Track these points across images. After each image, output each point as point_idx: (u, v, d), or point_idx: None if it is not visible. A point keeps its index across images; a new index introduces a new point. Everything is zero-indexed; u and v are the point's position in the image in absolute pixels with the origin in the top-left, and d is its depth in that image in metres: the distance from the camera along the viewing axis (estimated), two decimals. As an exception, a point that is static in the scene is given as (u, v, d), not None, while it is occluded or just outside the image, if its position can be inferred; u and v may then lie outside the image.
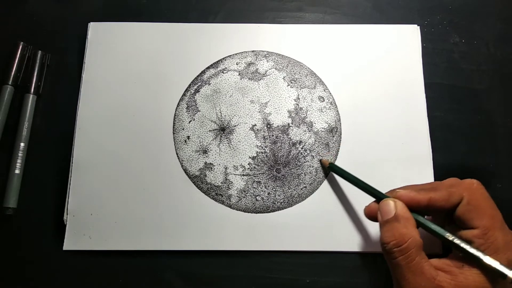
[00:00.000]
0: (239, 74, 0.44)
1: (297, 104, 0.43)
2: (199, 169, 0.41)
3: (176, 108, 0.43)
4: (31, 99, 0.43)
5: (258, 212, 0.40)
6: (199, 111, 0.43)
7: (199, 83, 0.44)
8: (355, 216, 0.40)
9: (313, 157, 0.42)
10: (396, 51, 0.45)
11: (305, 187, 0.41)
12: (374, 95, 0.43)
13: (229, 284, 0.39)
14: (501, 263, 0.29)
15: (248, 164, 0.41)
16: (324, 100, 0.43)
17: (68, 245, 0.39)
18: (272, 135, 0.42)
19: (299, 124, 0.42)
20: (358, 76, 0.44)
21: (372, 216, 0.34)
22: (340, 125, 0.43)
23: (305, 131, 0.42)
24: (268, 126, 0.42)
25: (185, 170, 0.41)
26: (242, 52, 0.45)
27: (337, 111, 0.43)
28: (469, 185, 0.32)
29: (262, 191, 0.41)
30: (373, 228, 0.39)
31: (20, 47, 0.44)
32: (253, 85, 0.44)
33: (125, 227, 0.39)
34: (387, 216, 0.32)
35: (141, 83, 0.44)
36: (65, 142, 0.42)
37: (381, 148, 0.42)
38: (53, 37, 0.46)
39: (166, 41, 0.45)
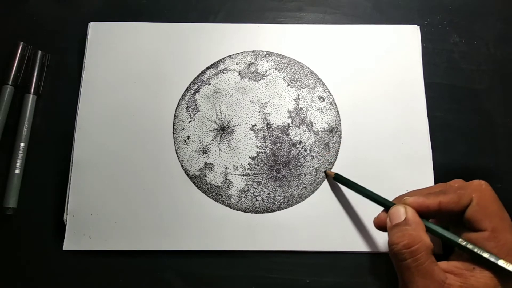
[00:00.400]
0: (239, 74, 0.44)
1: (297, 104, 0.43)
2: (199, 169, 0.41)
3: (176, 108, 0.43)
4: (31, 99, 0.43)
5: (258, 212, 0.40)
6: (199, 111, 0.43)
7: (199, 83, 0.44)
8: (355, 216, 0.40)
9: (313, 157, 0.42)
10: (396, 51, 0.45)
11: (305, 187, 0.41)
12: (374, 95, 0.43)
13: (229, 284, 0.39)
14: None
15: (248, 164, 0.41)
16: (324, 100, 0.43)
17: (68, 245, 0.39)
18: (272, 135, 0.42)
19: (299, 124, 0.42)
20: (358, 76, 0.44)
21: (382, 226, 0.33)
22: (340, 125, 0.43)
23: (305, 131, 0.42)
24: (268, 126, 0.42)
25: (185, 170, 0.41)
26: (242, 52, 0.45)
27: (337, 111, 0.43)
28: (478, 186, 0.32)
29: (262, 191, 0.41)
30: (373, 228, 0.39)
31: (20, 47, 0.44)
32: (253, 85, 0.44)
33: (125, 227, 0.39)
34: (396, 220, 0.31)
35: (141, 83, 0.44)
36: (65, 142, 0.42)
37: (381, 148, 0.42)
38: (53, 37, 0.46)
39: (166, 41, 0.45)
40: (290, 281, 0.39)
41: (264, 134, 0.42)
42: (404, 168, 0.41)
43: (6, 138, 0.42)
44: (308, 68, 0.44)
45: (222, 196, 0.40)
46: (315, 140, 0.42)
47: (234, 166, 0.41)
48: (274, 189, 0.41)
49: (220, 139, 0.42)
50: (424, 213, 0.32)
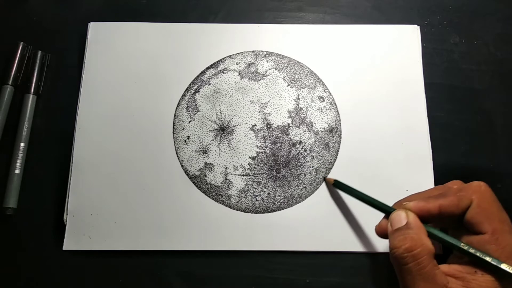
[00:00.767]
0: (239, 74, 0.44)
1: (297, 104, 0.43)
2: (199, 169, 0.41)
3: (176, 108, 0.43)
4: (31, 99, 0.43)
5: (258, 212, 0.40)
6: (199, 111, 0.43)
7: (199, 83, 0.44)
8: (355, 216, 0.40)
9: (313, 157, 0.42)
10: (396, 51, 0.45)
11: (305, 187, 0.41)
12: (374, 95, 0.43)
13: (229, 284, 0.39)
14: None
15: (248, 164, 0.41)
16: (324, 100, 0.43)
17: (68, 245, 0.39)
18: (272, 135, 0.42)
19: (299, 124, 0.42)
20: (358, 76, 0.44)
21: (383, 233, 0.33)
22: (340, 125, 0.43)
23: (305, 131, 0.42)
24: (268, 126, 0.42)
25: (185, 170, 0.41)
26: (242, 52, 0.45)
27: (337, 111, 0.43)
28: (477, 187, 0.32)
29: (262, 191, 0.41)
30: (373, 228, 0.39)
31: (20, 47, 0.44)
32: (253, 85, 0.44)
33: (125, 227, 0.39)
34: (397, 225, 0.31)
35: (141, 83, 0.44)
36: (65, 142, 0.42)
37: (381, 148, 0.42)
38: (53, 37, 0.46)
39: (166, 41, 0.45)
40: (290, 281, 0.39)
41: (264, 134, 0.42)
42: (404, 168, 0.41)
43: (6, 138, 0.42)
44: (308, 68, 0.44)
45: (222, 196, 0.40)
46: (315, 140, 0.42)
47: (234, 166, 0.41)
48: (274, 189, 0.41)
49: (220, 139, 0.42)
50: (424, 217, 0.31)
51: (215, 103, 0.43)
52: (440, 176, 0.41)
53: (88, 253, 0.39)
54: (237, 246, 0.39)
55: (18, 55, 0.44)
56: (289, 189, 0.41)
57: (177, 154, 0.42)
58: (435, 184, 0.41)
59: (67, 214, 0.40)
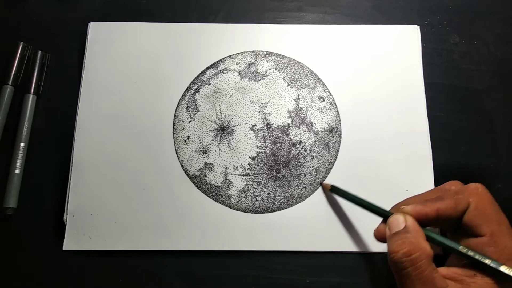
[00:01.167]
0: (239, 74, 0.44)
1: (297, 104, 0.43)
2: (199, 169, 0.41)
3: (176, 108, 0.43)
4: (31, 99, 0.43)
5: (258, 212, 0.40)
6: (199, 111, 0.43)
7: (199, 83, 0.44)
8: (355, 216, 0.40)
9: (313, 157, 0.42)
10: (396, 51, 0.45)
11: (305, 187, 0.41)
12: (374, 95, 0.43)
13: (229, 284, 0.39)
14: None
15: (248, 164, 0.41)
16: (324, 100, 0.43)
17: (68, 245, 0.39)
18: (272, 135, 0.42)
19: (299, 124, 0.42)
20: (358, 76, 0.44)
21: (382, 238, 0.33)
22: (340, 125, 0.43)
23: (305, 131, 0.42)
24: (268, 126, 0.42)
25: (185, 170, 0.41)
26: (242, 52, 0.45)
27: (337, 111, 0.43)
28: (475, 190, 0.32)
29: (262, 191, 0.41)
30: (373, 228, 0.39)
31: (20, 47, 0.44)
32: (253, 85, 0.44)
33: (125, 227, 0.39)
34: (395, 229, 0.31)
35: (141, 83, 0.44)
36: (65, 142, 0.42)
37: (381, 148, 0.42)
38: (53, 37, 0.46)
39: (166, 41, 0.45)
40: (290, 281, 0.39)
41: (264, 134, 0.42)
42: (404, 168, 0.41)
43: (6, 138, 0.42)
44: (308, 68, 0.44)
45: (222, 196, 0.40)
46: (315, 140, 0.42)
47: (234, 166, 0.41)
48: (274, 189, 0.41)
49: (220, 139, 0.42)
50: (422, 221, 0.31)
51: (215, 103, 0.43)
52: (440, 176, 0.41)
53: (88, 253, 0.39)
54: (237, 246, 0.39)
55: (18, 55, 0.44)
56: (289, 189, 0.41)
57: (177, 154, 0.42)
58: (435, 184, 0.41)
59: (67, 214, 0.40)
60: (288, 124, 0.42)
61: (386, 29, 0.45)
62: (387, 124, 0.42)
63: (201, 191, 0.41)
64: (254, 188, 0.41)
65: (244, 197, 0.40)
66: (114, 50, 0.45)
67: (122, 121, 0.42)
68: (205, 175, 0.41)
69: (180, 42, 0.45)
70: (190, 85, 0.44)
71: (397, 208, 0.34)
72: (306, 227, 0.39)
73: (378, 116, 0.43)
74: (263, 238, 0.39)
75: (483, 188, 0.32)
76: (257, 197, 0.40)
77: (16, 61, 0.44)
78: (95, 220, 0.39)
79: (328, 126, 0.43)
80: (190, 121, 0.43)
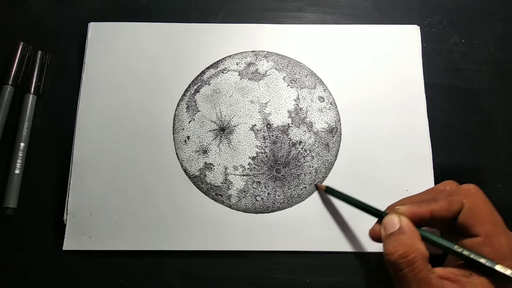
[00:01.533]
0: (239, 74, 0.44)
1: (297, 104, 0.43)
2: (199, 169, 0.41)
3: (176, 108, 0.43)
4: (31, 99, 0.43)
5: (258, 212, 0.40)
6: (199, 111, 0.43)
7: (199, 83, 0.44)
8: (355, 216, 0.39)
9: (313, 157, 0.42)
10: (396, 51, 0.45)
11: (305, 187, 0.41)
12: (374, 95, 0.43)
13: (229, 284, 0.39)
14: None
15: (248, 164, 0.41)
16: (324, 100, 0.43)
17: (68, 245, 0.39)
18: (272, 135, 0.42)
19: (299, 124, 0.42)
20: (358, 76, 0.44)
21: (376, 237, 0.33)
22: (340, 125, 0.43)
23: (305, 131, 0.42)
24: (268, 126, 0.42)
25: (185, 170, 0.41)
26: (242, 52, 0.45)
27: (337, 111, 0.43)
28: (468, 191, 0.32)
29: (262, 191, 0.41)
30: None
31: (20, 47, 0.44)
32: (253, 85, 0.44)
33: (125, 227, 0.39)
34: (391, 230, 0.31)
35: (141, 83, 0.44)
36: (65, 142, 0.42)
37: (381, 148, 0.42)
38: (53, 37, 0.46)
39: (166, 41, 0.45)
40: (290, 281, 0.39)
41: (264, 134, 0.42)
42: (404, 168, 0.41)
43: (6, 138, 0.42)
44: (308, 68, 0.44)
45: (222, 196, 0.40)
46: (315, 140, 0.42)
47: (234, 166, 0.41)
48: (274, 189, 0.41)
49: (220, 139, 0.42)
50: (417, 222, 0.31)
51: (215, 103, 0.43)
52: (440, 176, 0.41)
53: (88, 253, 0.39)
54: (237, 246, 0.39)
55: (18, 55, 0.44)
56: (289, 189, 0.41)
57: (177, 154, 0.42)
58: (435, 184, 0.41)
59: (67, 214, 0.40)
60: (288, 124, 0.42)
61: (386, 29, 0.45)
62: (387, 124, 0.42)
63: (201, 191, 0.41)
64: (254, 188, 0.41)
65: (244, 197, 0.40)
66: (114, 50, 0.45)
67: (122, 121, 0.42)
68: (205, 175, 0.41)
69: (180, 42, 0.45)
70: (190, 85, 0.44)
71: (392, 208, 0.34)
72: (306, 227, 0.39)
73: (378, 116, 0.43)
74: (263, 238, 0.39)
75: (476, 188, 0.32)
76: (257, 197, 0.40)
77: (16, 61, 0.44)
78: (95, 220, 0.39)
79: (328, 126, 0.43)
80: (190, 121, 0.43)
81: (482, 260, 0.29)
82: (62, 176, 0.41)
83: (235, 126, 0.42)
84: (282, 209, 0.40)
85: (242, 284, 0.39)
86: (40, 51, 0.44)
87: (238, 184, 0.41)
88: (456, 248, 0.30)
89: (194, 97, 0.43)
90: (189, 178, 0.41)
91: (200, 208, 0.40)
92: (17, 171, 0.41)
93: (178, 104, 0.43)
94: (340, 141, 0.42)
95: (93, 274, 0.39)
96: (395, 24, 0.46)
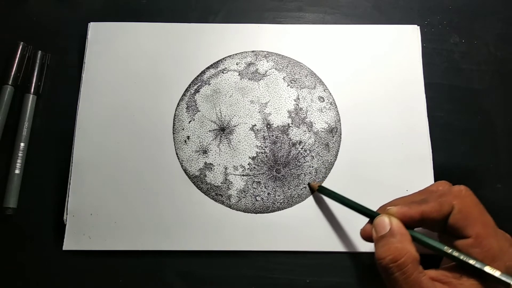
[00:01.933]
0: (239, 74, 0.44)
1: (297, 104, 0.43)
2: (199, 169, 0.41)
3: (176, 108, 0.43)
4: (31, 99, 0.43)
5: (258, 213, 0.40)
6: (199, 111, 0.43)
7: (199, 83, 0.44)
8: (354, 216, 0.39)
9: (313, 157, 0.42)
10: (396, 51, 0.45)
11: (305, 187, 0.41)
12: (374, 95, 0.43)
13: (229, 284, 0.39)
14: (502, 272, 0.28)
15: (248, 164, 0.41)
16: (324, 100, 0.43)
17: (68, 245, 0.39)
18: (272, 135, 0.42)
19: (299, 124, 0.42)
20: (358, 76, 0.44)
21: (368, 237, 0.33)
22: (340, 125, 0.43)
23: (305, 131, 0.42)
24: (268, 126, 0.42)
25: (185, 170, 0.41)
26: (242, 52, 0.45)
27: (337, 111, 0.43)
28: (458, 192, 0.32)
29: (262, 191, 0.41)
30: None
31: (20, 47, 0.44)
32: (253, 85, 0.44)
33: (125, 227, 0.39)
34: (382, 232, 0.31)
35: (141, 83, 0.44)
36: (65, 142, 0.42)
37: (381, 148, 0.42)
38: (53, 37, 0.46)
39: (166, 41, 0.45)
40: (290, 281, 0.39)
41: (264, 134, 0.42)
42: (404, 168, 0.41)
43: (6, 138, 0.42)
44: (308, 68, 0.44)
45: (222, 196, 0.40)
46: (315, 140, 0.42)
47: (234, 166, 0.41)
48: (274, 189, 0.41)
49: (220, 139, 0.42)
50: (407, 223, 0.31)
51: (215, 103, 0.43)
52: (440, 176, 0.41)
53: (88, 253, 0.39)
54: (237, 246, 0.39)
55: (18, 55, 0.44)
56: (289, 189, 0.41)
57: (177, 154, 0.42)
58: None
59: (67, 214, 0.40)
60: (288, 124, 0.42)
61: (386, 29, 0.45)
62: (387, 124, 0.42)
63: (201, 191, 0.41)
64: (254, 188, 0.41)
65: (244, 197, 0.40)
66: (114, 50, 0.45)
67: (122, 121, 0.42)
68: (205, 175, 0.41)
69: (180, 42, 0.45)
70: (190, 85, 0.44)
71: (383, 208, 0.34)
72: (306, 227, 0.39)
73: (378, 116, 0.43)
74: (263, 238, 0.39)
75: (466, 190, 0.32)
76: (257, 197, 0.40)
77: (16, 61, 0.44)
78: (95, 220, 0.39)
79: (328, 126, 0.43)
80: (190, 121, 0.43)
81: (472, 262, 0.29)
82: (62, 176, 0.41)
83: (235, 126, 0.42)
84: (282, 209, 0.40)
85: (242, 284, 0.39)
86: (40, 51, 0.44)
87: (238, 184, 0.41)
88: (446, 249, 0.30)
89: (194, 97, 0.43)
90: (189, 178, 0.41)
91: (200, 208, 0.40)
92: (17, 171, 0.41)
93: (178, 104, 0.43)
94: (340, 141, 0.42)
95: (93, 274, 0.39)
96: (395, 24, 0.46)
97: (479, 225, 0.30)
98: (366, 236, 0.34)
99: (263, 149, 0.42)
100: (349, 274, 0.39)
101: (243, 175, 0.41)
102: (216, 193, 0.40)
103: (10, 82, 0.43)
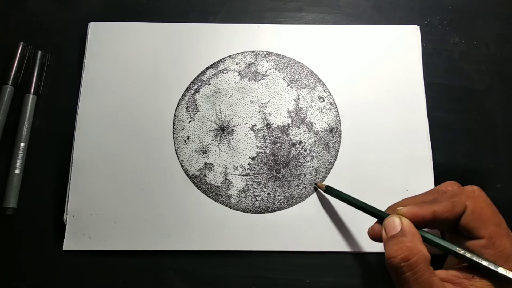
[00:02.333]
0: (239, 74, 0.44)
1: (297, 104, 0.43)
2: (199, 169, 0.41)
3: (176, 108, 0.43)
4: (31, 99, 0.43)
5: (258, 213, 0.40)
6: (199, 111, 0.43)
7: (199, 83, 0.44)
8: (354, 216, 0.39)
9: (313, 157, 0.42)
10: (396, 51, 0.45)
11: (305, 187, 0.41)
12: (374, 95, 0.43)
13: (229, 284, 0.39)
14: None
15: (248, 164, 0.41)
16: (324, 100, 0.43)
17: (68, 245, 0.39)
18: (272, 135, 0.42)
19: (299, 125, 0.42)
20: (358, 76, 0.44)
21: (376, 237, 0.33)
22: (340, 125, 0.43)
23: (305, 131, 0.42)
24: (268, 126, 0.42)
25: (185, 170, 0.41)
26: (242, 52, 0.45)
27: (337, 111, 0.43)
28: (471, 193, 0.31)
29: (262, 191, 0.41)
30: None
31: (20, 47, 0.44)
32: (253, 85, 0.44)
33: (125, 227, 0.39)
34: (392, 232, 0.31)
35: (141, 83, 0.44)
36: (65, 142, 0.42)
37: (381, 148, 0.42)
38: (53, 37, 0.46)
39: (166, 41, 0.45)
40: (290, 281, 0.39)
41: (264, 134, 0.42)
42: (404, 168, 0.41)
43: (6, 138, 0.42)
44: (308, 68, 0.44)
45: (222, 196, 0.40)
46: (315, 140, 0.42)
47: (234, 166, 0.41)
48: (274, 189, 0.41)
49: (220, 139, 0.42)
50: (419, 223, 0.31)
51: (215, 103, 0.43)
52: (440, 176, 0.41)
53: (88, 253, 0.39)
54: (237, 246, 0.39)
55: (18, 55, 0.44)
56: (289, 189, 0.41)
57: (177, 154, 0.42)
58: (435, 184, 0.41)
59: (67, 214, 0.40)
60: (288, 124, 0.42)
61: (386, 29, 0.45)
62: (387, 124, 0.42)
63: (201, 191, 0.41)
64: (254, 188, 0.41)
65: (244, 197, 0.40)
66: (114, 50, 0.45)
67: (122, 121, 0.42)
68: (205, 175, 0.41)
69: (180, 42, 0.45)
70: (190, 85, 0.44)
71: (393, 209, 0.34)
72: (306, 227, 0.39)
73: (378, 116, 0.43)
74: (263, 238, 0.39)
75: (479, 190, 0.32)
76: (257, 197, 0.40)
77: (16, 61, 0.44)
78: (95, 220, 0.39)
79: (328, 126, 0.43)
80: (190, 121, 0.43)
81: (485, 263, 0.29)
82: (62, 176, 0.41)
83: (235, 126, 0.42)
84: (282, 209, 0.40)
85: (242, 284, 0.39)
86: (40, 51, 0.44)
87: (238, 184, 0.41)
88: (458, 250, 0.30)
89: (194, 97, 0.43)
90: (189, 178, 0.41)
91: (200, 208, 0.40)
92: (17, 171, 0.41)
93: (178, 104, 0.43)
94: (340, 141, 0.42)
95: (93, 274, 0.39)
96: (395, 24, 0.46)
97: (492, 226, 0.30)
98: (374, 235, 0.33)
99: (263, 149, 0.42)
100: (349, 274, 0.39)
101: (243, 175, 0.41)
102: (216, 193, 0.40)
103: (10, 82, 0.43)
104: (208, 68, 0.44)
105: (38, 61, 0.44)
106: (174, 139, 0.42)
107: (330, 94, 0.44)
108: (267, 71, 0.44)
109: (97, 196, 0.40)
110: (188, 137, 0.42)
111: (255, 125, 0.42)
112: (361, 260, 0.39)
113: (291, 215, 0.40)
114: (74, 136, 0.42)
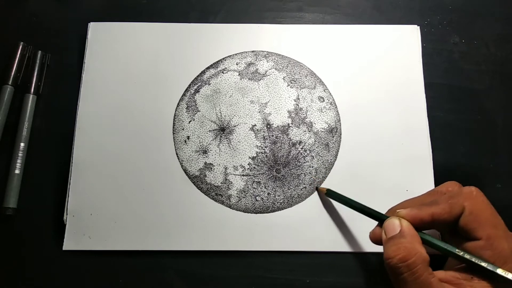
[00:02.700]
0: (239, 74, 0.44)
1: (297, 104, 0.43)
2: (199, 169, 0.41)
3: (176, 108, 0.43)
4: (31, 99, 0.43)
5: (258, 213, 0.40)
6: (199, 111, 0.43)
7: (199, 83, 0.44)
8: (354, 217, 0.39)
9: (313, 157, 0.42)
10: (396, 51, 0.45)
11: (305, 187, 0.41)
12: (374, 95, 0.43)
13: (229, 284, 0.39)
14: None
15: (248, 164, 0.41)
16: (324, 100, 0.43)
17: (68, 245, 0.39)
18: (272, 135, 0.42)
19: (299, 125, 0.42)
20: (358, 76, 0.44)
21: (377, 240, 0.33)
22: (340, 125, 0.43)
23: (305, 131, 0.42)
24: (268, 126, 0.42)
25: (185, 170, 0.41)
26: (242, 52, 0.45)
27: (337, 111, 0.43)
28: (469, 194, 0.31)
29: (262, 191, 0.41)
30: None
31: (20, 47, 0.44)
32: (253, 85, 0.44)
33: (125, 227, 0.39)
34: (391, 233, 0.31)
35: (141, 83, 0.44)
36: (65, 142, 0.42)
37: (381, 148, 0.42)
38: (53, 37, 0.46)
39: (166, 41, 0.45)
40: (290, 281, 0.39)
41: (264, 134, 0.42)
42: (404, 168, 0.41)
43: (6, 138, 0.42)
44: (308, 68, 0.44)
45: (222, 196, 0.40)
46: (315, 140, 0.42)
47: (234, 166, 0.41)
48: (274, 189, 0.41)
49: (220, 139, 0.42)
50: (418, 225, 0.31)
51: (215, 103, 0.43)
52: (440, 176, 0.41)
53: (88, 253, 0.39)
54: (237, 246, 0.39)
55: (18, 55, 0.44)
56: (289, 189, 0.41)
57: (177, 154, 0.42)
58: (435, 184, 0.41)
59: (67, 214, 0.40)
60: (288, 124, 0.42)
61: (386, 29, 0.45)
62: (387, 124, 0.42)
63: (201, 191, 0.41)
64: (254, 188, 0.41)
65: (244, 197, 0.40)
66: (114, 50, 0.45)
67: (122, 121, 0.42)
68: (205, 175, 0.41)
69: (180, 42, 0.45)
70: (190, 85, 0.44)
71: (393, 211, 0.34)
72: (306, 227, 0.39)
73: (378, 116, 0.43)
74: (263, 238, 0.39)
75: (477, 191, 0.32)
76: (257, 197, 0.40)
77: (16, 61, 0.44)
78: (95, 220, 0.39)
79: (328, 126, 0.43)
80: (190, 121, 0.43)
81: (484, 264, 0.29)
82: (62, 176, 0.41)
83: (235, 126, 0.42)
84: (282, 209, 0.40)
85: (242, 284, 0.39)
86: (40, 51, 0.44)
87: (238, 184, 0.41)
88: (457, 251, 0.30)
89: (194, 97, 0.43)
90: (189, 178, 0.41)
91: (200, 208, 0.40)
92: (17, 171, 0.41)
93: (178, 104, 0.43)
94: (340, 141, 0.42)
95: (93, 274, 0.39)
96: (395, 24, 0.46)
97: (490, 227, 0.30)
98: (376, 239, 0.33)
99: (263, 149, 0.42)
100: (349, 274, 0.39)
101: (243, 175, 0.41)
102: (216, 193, 0.40)
103: (10, 82, 0.43)
104: (208, 68, 0.44)
105: (38, 61, 0.44)
106: (174, 139, 0.42)
107: (330, 94, 0.44)
108: (267, 71, 0.44)
109: (97, 196, 0.40)
110: (188, 137, 0.42)
111: (255, 125, 0.42)
112: (361, 260, 0.39)
113: (291, 215, 0.40)
114: (74, 136, 0.42)
